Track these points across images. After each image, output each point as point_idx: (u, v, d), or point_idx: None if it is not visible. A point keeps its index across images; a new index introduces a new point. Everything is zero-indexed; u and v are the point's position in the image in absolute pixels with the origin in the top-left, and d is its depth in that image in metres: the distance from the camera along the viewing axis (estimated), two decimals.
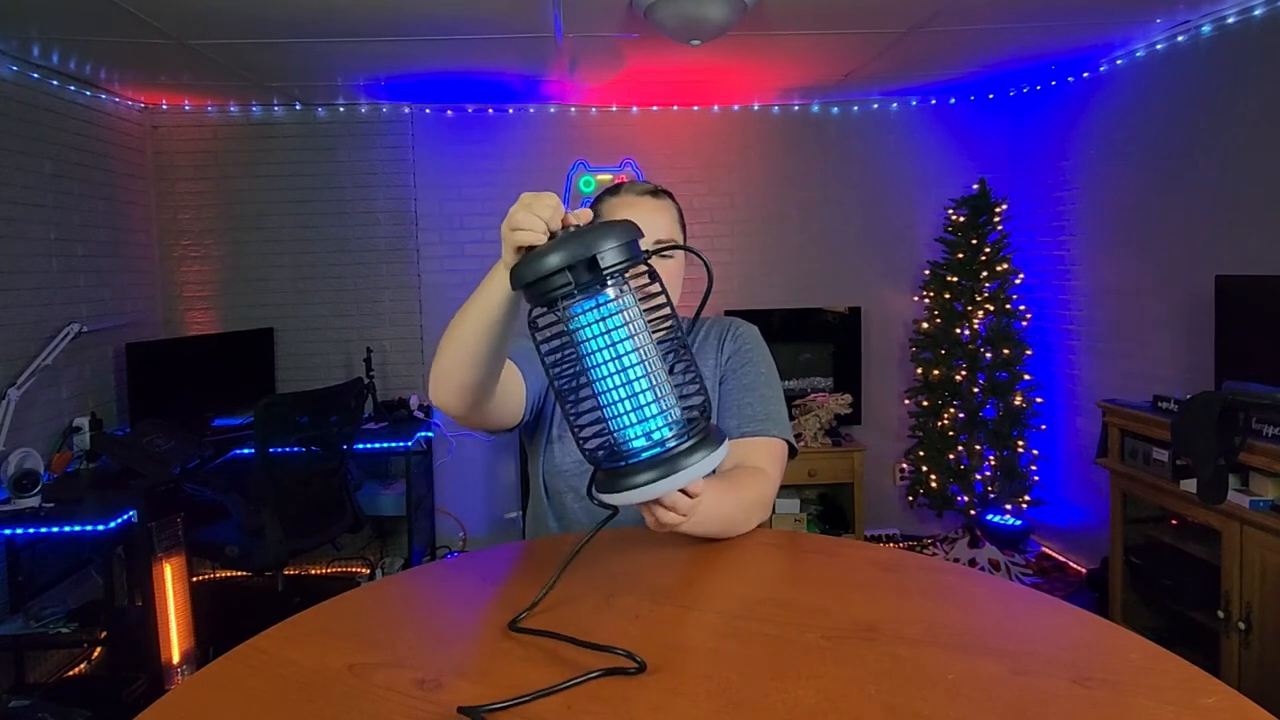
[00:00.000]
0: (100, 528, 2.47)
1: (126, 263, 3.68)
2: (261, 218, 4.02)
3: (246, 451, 3.19)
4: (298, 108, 3.99)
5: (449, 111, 4.10)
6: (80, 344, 3.16)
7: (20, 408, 2.80)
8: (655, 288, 0.83)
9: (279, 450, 2.90)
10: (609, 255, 0.77)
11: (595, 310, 0.77)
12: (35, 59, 3.01)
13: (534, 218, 0.83)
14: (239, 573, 3.41)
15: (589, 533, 0.94)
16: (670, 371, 0.81)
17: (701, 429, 0.80)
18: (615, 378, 0.77)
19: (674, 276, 1.29)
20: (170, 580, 2.68)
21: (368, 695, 0.72)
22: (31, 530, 2.48)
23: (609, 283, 0.78)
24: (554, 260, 0.76)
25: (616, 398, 0.78)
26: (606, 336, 0.77)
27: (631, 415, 0.78)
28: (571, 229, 0.83)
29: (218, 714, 0.71)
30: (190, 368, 3.65)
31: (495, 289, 0.92)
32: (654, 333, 0.81)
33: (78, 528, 2.47)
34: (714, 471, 1.24)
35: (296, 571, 3.78)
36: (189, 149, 3.96)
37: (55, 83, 3.21)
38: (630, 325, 0.78)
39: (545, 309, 0.80)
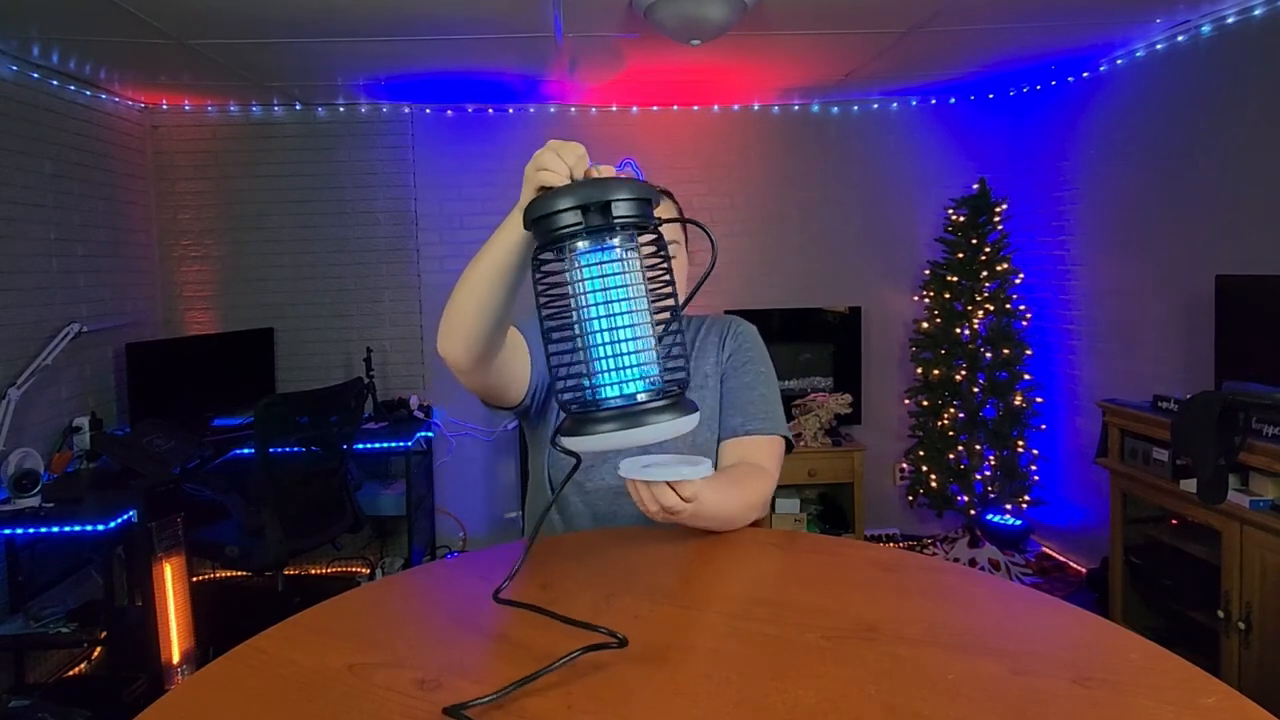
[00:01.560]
0: (100, 528, 2.47)
1: (126, 263, 3.67)
2: (261, 218, 4.02)
3: (246, 451, 3.19)
4: (298, 108, 3.99)
5: (449, 111, 4.10)
6: (80, 344, 3.16)
7: (20, 408, 2.80)
8: (661, 256, 0.84)
9: (279, 450, 2.90)
10: (621, 206, 0.78)
11: (597, 255, 0.79)
12: (35, 59, 3.01)
13: (559, 160, 0.85)
14: (239, 573, 3.41)
15: (559, 485, 0.96)
16: (655, 337, 0.82)
17: (675, 395, 0.81)
18: (601, 322, 0.79)
19: (678, 274, 1.29)
20: (170, 580, 2.68)
21: (368, 695, 0.73)
22: (31, 530, 2.48)
23: (616, 235, 0.79)
24: (567, 200, 0.78)
25: (598, 342, 0.79)
26: (602, 282, 0.79)
27: (609, 362, 0.79)
28: (594, 178, 0.85)
29: (218, 714, 0.71)
30: (190, 368, 3.65)
31: (510, 233, 0.94)
32: (652, 298, 0.82)
33: (78, 528, 2.47)
34: (716, 468, 1.27)
35: (296, 571, 3.78)
36: (189, 149, 3.96)
37: (55, 83, 3.21)
38: (627, 278, 0.79)
39: (549, 248, 0.81)
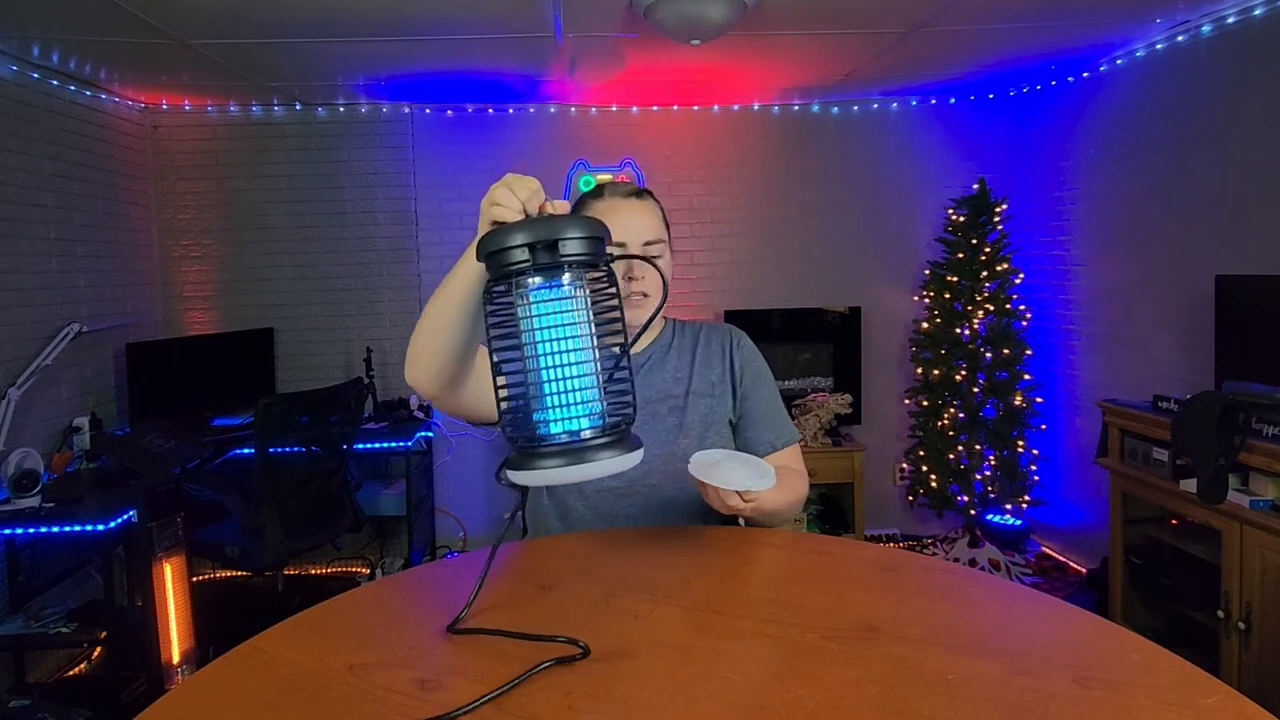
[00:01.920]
0: (100, 528, 2.47)
1: (126, 263, 3.67)
2: (261, 218, 4.02)
3: (246, 451, 3.19)
4: (298, 108, 3.99)
5: (449, 111, 4.10)
6: (80, 344, 3.16)
7: (20, 408, 2.80)
8: (610, 292, 0.84)
9: (279, 450, 2.90)
10: (570, 245, 0.79)
11: (546, 292, 0.80)
12: (35, 59, 3.01)
13: (513, 196, 0.87)
14: (239, 573, 3.41)
15: (508, 515, 0.96)
16: (604, 376, 0.83)
17: (620, 432, 0.82)
18: (549, 359, 0.80)
19: (667, 275, 1.32)
20: (170, 580, 2.68)
21: (368, 695, 0.73)
22: (31, 530, 2.48)
23: (566, 272, 0.80)
24: (518, 237, 0.79)
25: (545, 378, 0.80)
26: (551, 319, 0.80)
27: (557, 399, 0.80)
28: (546, 215, 0.87)
29: (218, 714, 0.71)
30: (190, 368, 3.65)
31: (469, 265, 0.97)
32: (599, 335, 0.83)
33: (78, 528, 2.47)
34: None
35: (296, 571, 3.78)
36: (189, 149, 3.96)
37: (55, 83, 3.21)
38: (575, 315, 0.80)
39: (501, 282, 0.82)
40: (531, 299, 0.80)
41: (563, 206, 0.88)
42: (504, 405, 0.82)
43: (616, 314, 0.84)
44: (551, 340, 0.79)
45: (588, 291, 0.82)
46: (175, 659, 2.70)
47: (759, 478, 1.09)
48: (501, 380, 0.82)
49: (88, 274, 3.35)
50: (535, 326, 0.80)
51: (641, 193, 1.35)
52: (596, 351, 0.82)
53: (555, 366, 0.79)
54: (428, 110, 4.07)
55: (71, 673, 3.05)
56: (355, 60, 3.24)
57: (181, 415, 3.37)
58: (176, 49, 2.95)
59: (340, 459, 3.14)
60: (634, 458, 0.81)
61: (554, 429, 0.80)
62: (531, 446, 0.80)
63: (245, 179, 4.00)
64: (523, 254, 0.79)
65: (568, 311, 0.80)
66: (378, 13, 2.62)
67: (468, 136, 4.11)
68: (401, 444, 3.60)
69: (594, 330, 0.82)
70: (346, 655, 0.80)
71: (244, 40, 2.90)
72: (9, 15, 2.55)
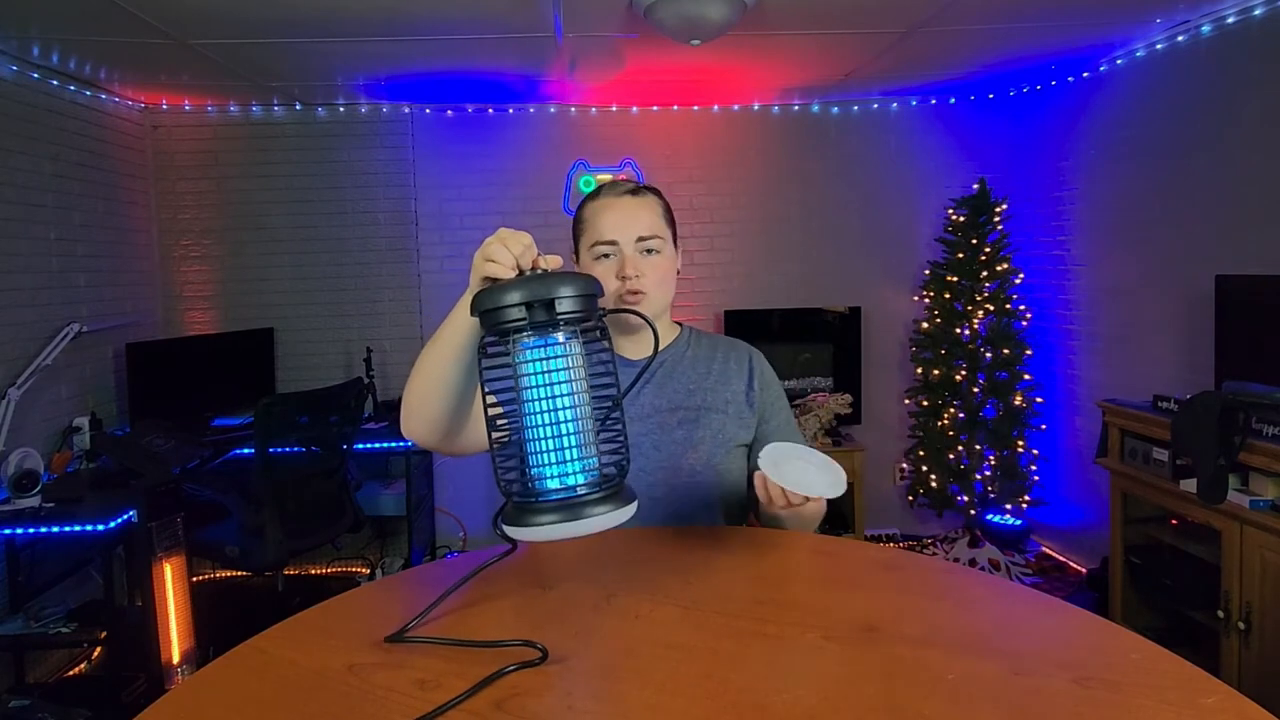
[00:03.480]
0: (100, 528, 2.47)
1: (126, 263, 3.67)
2: (261, 218, 4.02)
3: (246, 451, 3.19)
4: (298, 108, 3.99)
5: (449, 111, 4.10)
6: (80, 344, 3.16)
7: (20, 408, 2.80)
8: (604, 345, 0.85)
9: (279, 450, 2.90)
10: (565, 303, 0.80)
11: (541, 351, 0.81)
12: (35, 59, 3.01)
13: (506, 252, 0.87)
14: (239, 573, 3.41)
15: (481, 564, 0.95)
16: (598, 429, 0.84)
17: (614, 485, 0.82)
18: (545, 416, 0.80)
19: (667, 273, 1.32)
20: (170, 580, 2.68)
21: (368, 695, 0.73)
22: (31, 530, 2.48)
23: (560, 329, 0.81)
24: (513, 295, 0.80)
25: (541, 435, 0.80)
26: (546, 377, 0.80)
27: (551, 456, 0.80)
28: (540, 271, 0.87)
29: (218, 714, 0.71)
30: (190, 368, 3.65)
31: (461, 318, 0.96)
32: (593, 388, 0.84)
33: (78, 528, 2.47)
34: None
35: (296, 571, 3.78)
36: (189, 149, 3.96)
37: (55, 83, 3.21)
38: (570, 372, 0.81)
39: (496, 339, 0.83)
40: (526, 356, 0.81)
41: (555, 262, 0.89)
42: (498, 459, 0.83)
43: (610, 366, 0.85)
44: (546, 398, 0.80)
45: (581, 345, 0.83)
46: (175, 659, 2.70)
47: (831, 486, 1.05)
48: (496, 434, 0.83)
49: (88, 274, 3.35)
50: (530, 384, 0.80)
51: (640, 189, 1.33)
52: (590, 407, 0.83)
53: (550, 424, 0.80)
54: (428, 110, 4.07)
55: (71, 673, 3.05)
56: (355, 60, 3.24)
57: (181, 415, 3.37)
58: (176, 49, 2.95)
59: (340, 459, 3.14)
60: (627, 512, 0.82)
61: (549, 484, 0.81)
62: (526, 501, 0.81)
63: (245, 179, 4.00)
64: (519, 312, 0.80)
65: (562, 369, 0.81)
66: (378, 13, 2.62)
67: (468, 136, 4.11)
68: (401, 444, 3.60)
69: (588, 385, 0.83)
70: (346, 655, 0.80)
71: (244, 40, 2.89)
72: (9, 15, 2.55)
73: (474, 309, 0.84)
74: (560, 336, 0.81)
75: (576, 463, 0.81)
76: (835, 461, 1.11)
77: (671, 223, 1.35)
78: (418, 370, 1.03)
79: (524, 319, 0.80)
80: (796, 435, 1.40)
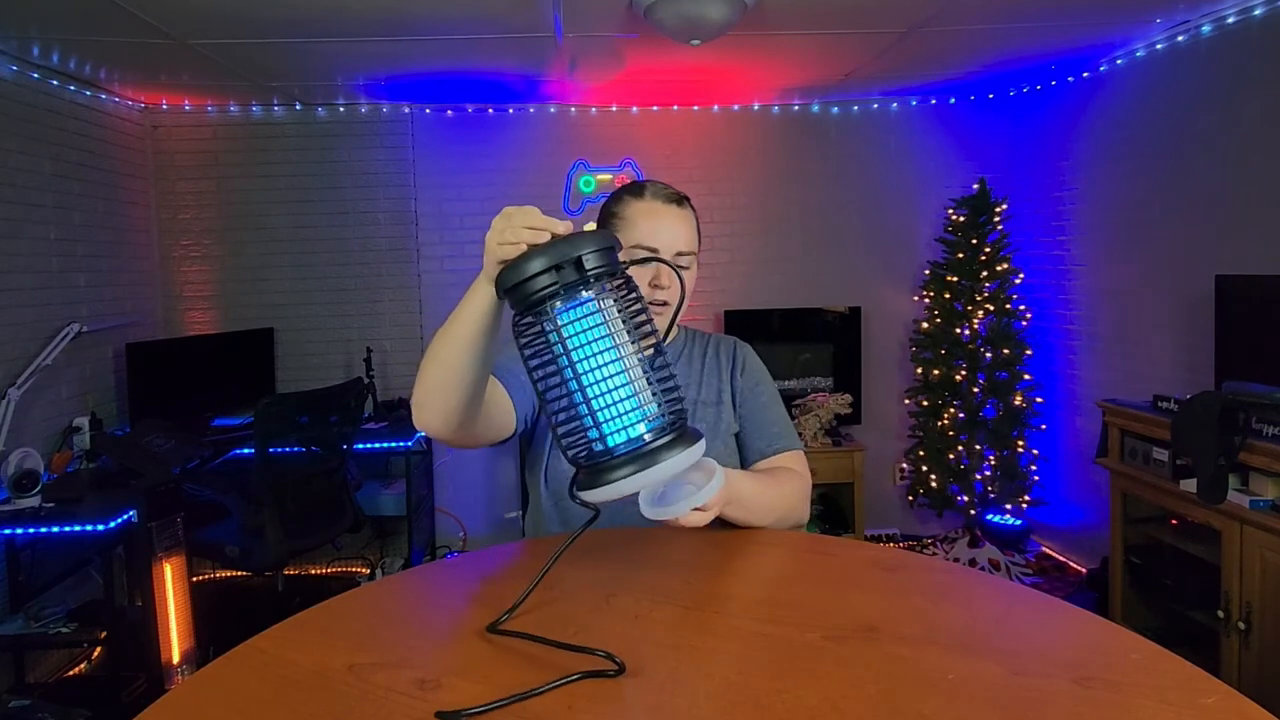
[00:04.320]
0: (100, 528, 2.47)
1: (126, 263, 3.67)
2: (261, 218, 4.02)
3: (246, 451, 3.19)
4: (298, 108, 3.99)
5: (449, 111, 4.10)
6: (80, 344, 3.16)
7: (20, 408, 2.80)
8: (633, 295, 0.86)
9: (279, 450, 2.90)
10: (590, 259, 0.80)
11: (576, 311, 0.81)
12: (35, 59, 3.01)
13: (519, 230, 0.85)
14: (239, 573, 3.41)
15: (571, 535, 0.94)
16: (647, 375, 0.84)
17: (678, 428, 0.83)
18: (595, 374, 0.80)
19: (689, 287, 1.31)
20: (170, 580, 2.68)
21: (368, 695, 0.72)
22: (31, 530, 2.48)
23: (589, 287, 0.81)
24: (538, 264, 0.80)
25: (595, 394, 0.81)
26: (586, 336, 0.80)
27: (610, 411, 0.81)
28: (559, 237, 0.87)
29: (218, 714, 0.71)
30: (190, 368, 3.65)
31: (477, 303, 0.94)
32: (631, 338, 0.84)
33: (78, 528, 2.47)
34: (745, 464, 1.31)
35: (296, 571, 3.78)
36: (189, 149, 3.96)
37: (55, 83, 3.21)
38: (609, 326, 0.81)
39: (527, 314, 0.83)
40: (563, 321, 0.81)
41: (566, 226, 0.87)
42: (561, 430, 0.83)
43: (644, 315, 0.85)
44: (593, 356, 0.80)
45: (614, 298, 0.83)
46: (175, 659, 2.70)
47: (702, 483, 0.95)
48: (552, 406, 0.83)
49: (88, 274, 3.35)
50: (573, 346, 0.80)
51: (682, 199, 1.34)
52: (636, 356, 0.83)
53: (602, 380, 0.80)
54: (428, 110, 4.07)
55: (71, 673, 3.05)
56: (355, 60, 3.24)
57: (181, 415, 3.37)
58: (176, 49, 2.95)
59: (340, 459, 3.14)
60: (699, 449, 0.82)
61: (615, 440, 0.81)
62: (597, 463, 0.81)
63: (245, 179, 4.00)
64: (548, 278, 0.80)
65: (601, 325, 0.81)
66: (378, 13, 2.62)
67: (468, 136, 4.11)
68: (401, 444, 3.60)
69: (628, 335, 0.83)
70: (346, 655, 0.80)
71: (244, 40, 2.89)
72: (9, 15, 2.55)
73: (501, 288, 0.84)
74: (591, 294, 0.81)
75: (636, 414, 0.81)
76: (707, 459, 0.96)
77: (699, 237, 1.37)
78: (430, 362, 1.00)
79: (555, 284, 0.80)
80: (772, 421, 1.35)
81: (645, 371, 0.83)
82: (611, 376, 0.80)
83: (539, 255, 0.80)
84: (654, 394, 0.83)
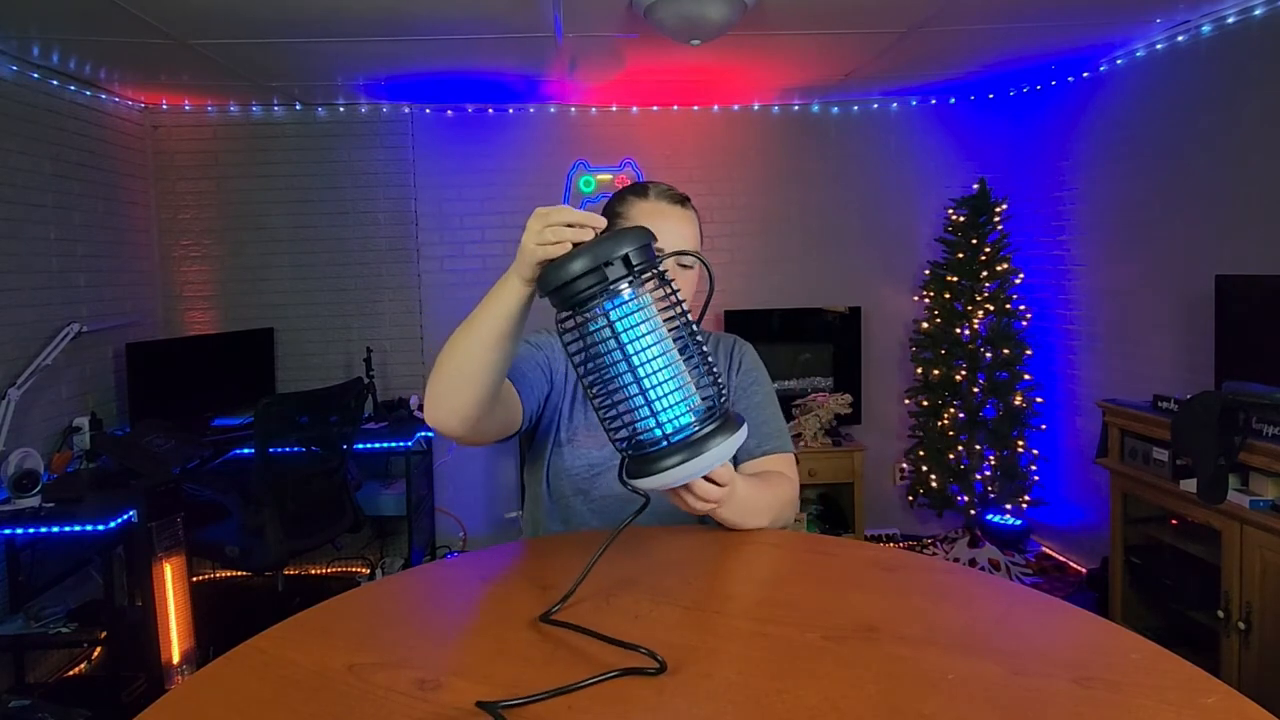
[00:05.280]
0: (100, 528, 2.47)
1: (126, 263, 3.67)
2: (261, 218, 4.02)
3: (246, 451, 3.19)
4: (298, 108, 3.99)
5: (449, 111, 4.10)
6: (80, 344, 3.16)
7: (20, 408, 2.80)
8: (667, 289, 0.88)
9: (279, 450, 2.90)
10: (635, 255, 0.83)
11: (626, 306, 0.84)
12: (35, 59, 3.01)
13: (558, 228, 0.87)
14: (239, 573, 3.41)
15: (621, 523, 0.95)
16: (688, 364, 0.87)
17: (721, 414, 0.86)
18: (641, 369, 0.84)
19: (691, 288, 1.33)
20: (170, 580, 2.68)
21: (368, 695, 0.72)
22: (31, 530, 2.48)
23: (629, 283, 0.84)
24: (584, 262, 0.82)
25: (642, 388, 0.84)
26: (631, 332, 0.83)
27: (658, 403, 0.84)
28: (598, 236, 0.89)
29: (218, 714, 0.71)
30: (190, 368, 3.65)
31: (507, 300, 0.93)
32: (673, 328, 0.87)
33: (78, 528, 2.47)
34: (735, 463, 1.30)
35: (296, 571, 3.78)
36: (189, 149, 3.96)
37: (55, 83, 3.21)
38: (650, 322, 0.84)
39: (570, 312, 0.86)
40: (615, 316, 0.83)
41: (602, 221, 0.88)
42: (607, 423, 0.86)
43: (679, 305, 0.88)
44: (636, 351, 0.83)
45: (658, 293, 0.86)
46: (175, 659, 2.70)
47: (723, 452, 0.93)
48: (599, 401, 0.86)
49: (88, 274, 3.35)
50: (626, 341, 0.83)
51: (685, 201, 1.34)
52: (675, 349, 0.86)
53: (648, 374, 0.83)
54: (428, 110, 4.07)
55: (71, 673, 3.05)
56: (355, 60, 3.24)
57: (181, 415, 3.37)
58: (176, 49, 2.95)
59: (340, 459, 3.14)
60: (741, 435, 0.85)
61: (665, 429, 0.84)
62: (646, 453, 0.84)
63: (245, 179, 4.00)
64: (594, 277, 0.82)
65: (642, 322, 0.84)
66: (378, 13, 2.62)
67: (468, 136, 4.11)
68: (401, 444, 3.60)
69: (668, 327, 0.86)
70: (346, 655, 0.80)
71: (244, 40, 2.89)
72: (9, 15, 2.55)
73: (545, 288, 0.86)
74: (631, 290, 0.84)
75: (680, 404, 0.84)
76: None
77: (700, 238, 1.37)
78: (450, 358, 0.98)
79: (605, 281, 0.82)
80: (764, 421, 1.34)
81: (684, 359, 0.86)
82: (656, 371, 0.84)
83: (585, 254, 0.83)
84: (694, 381, 0.86)
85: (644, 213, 1.30)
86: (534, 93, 3.86)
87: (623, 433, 0.86)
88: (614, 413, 0.86)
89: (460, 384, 0.99)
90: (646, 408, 0.84)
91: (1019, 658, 0.76)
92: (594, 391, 0.86)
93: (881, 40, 3.09)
